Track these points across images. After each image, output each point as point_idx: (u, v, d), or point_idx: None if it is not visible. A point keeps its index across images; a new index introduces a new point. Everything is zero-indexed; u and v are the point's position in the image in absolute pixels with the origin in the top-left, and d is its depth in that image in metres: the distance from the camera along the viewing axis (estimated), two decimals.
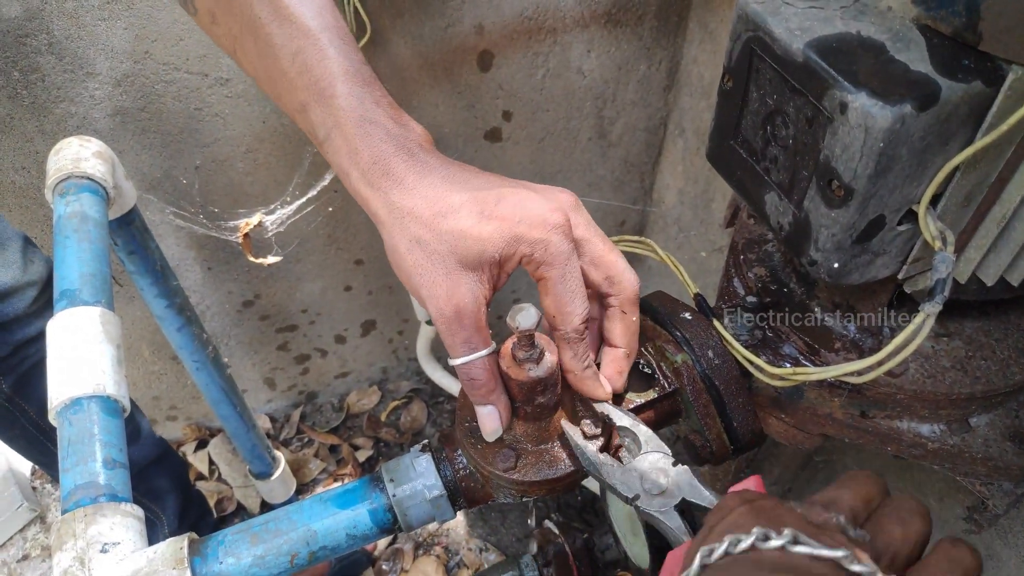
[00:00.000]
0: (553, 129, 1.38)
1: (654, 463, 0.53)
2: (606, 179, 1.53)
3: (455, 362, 0.53)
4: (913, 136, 0.44)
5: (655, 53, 1.33)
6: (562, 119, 1.37)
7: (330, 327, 1.59)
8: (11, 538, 1.57)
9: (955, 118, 0.44)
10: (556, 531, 1.01)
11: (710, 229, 1.39)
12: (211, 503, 1.57)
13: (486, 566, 1.54)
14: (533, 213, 0.50)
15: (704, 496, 0.51)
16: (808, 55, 0.46)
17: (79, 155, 0.85)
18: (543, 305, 0.54)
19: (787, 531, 0.32)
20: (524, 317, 0.53)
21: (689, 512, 0.52)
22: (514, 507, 1.64)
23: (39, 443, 1.07)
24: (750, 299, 0.65)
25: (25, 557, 1.56)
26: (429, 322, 1.53)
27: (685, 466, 0.52)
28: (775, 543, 0.32)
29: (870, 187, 0.46)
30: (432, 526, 1.60)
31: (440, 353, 1.73)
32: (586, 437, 0.57)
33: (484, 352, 0.52)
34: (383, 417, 1.78)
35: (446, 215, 0.50)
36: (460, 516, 1.63)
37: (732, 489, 0.48)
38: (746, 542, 0.33)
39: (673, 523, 0.51)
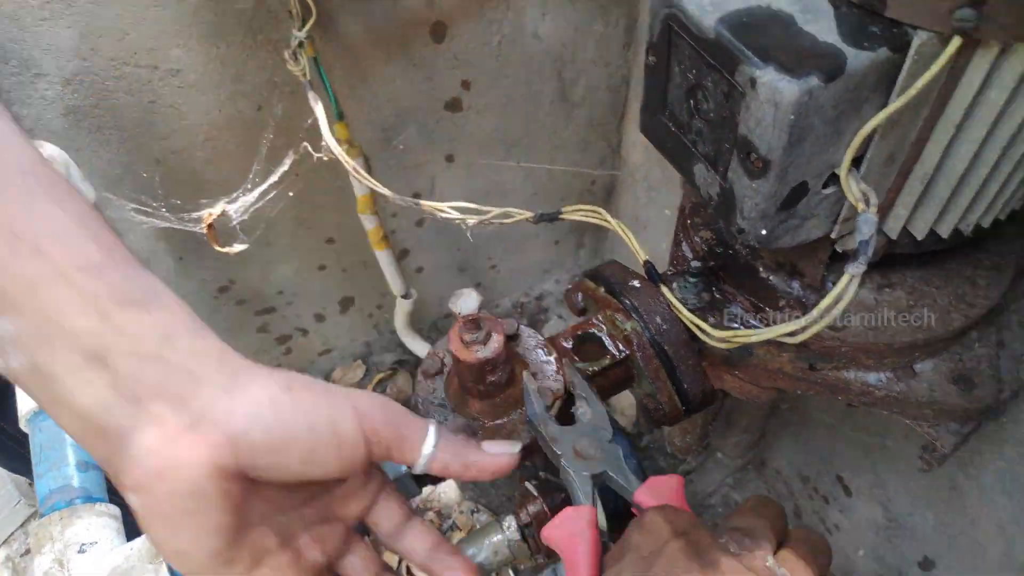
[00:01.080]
0: (514, 95, 1.37)
1: (592, 432, 0.55)
2: (571, 141, 1.53)
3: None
4: (824, 106, 0.45)
5: (610, 11, 1.32)
6: (523, 84, 1.36)
7: (308, 306, 1.60)
8: (12, 534, 1.61)
9: (864, 86, 0.45)
10: (535, 492, 1.04)
11: (677, 187, 1.39)
12: None
13: (478, 527, 1.58)
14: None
15: (627, 478, 0.52)
16: (719, 31, 0.46)
17: None
18: None
19: None
20: (465, 303, 0.55)
21: (607, 486, 0.53)
22: None
23: (18, 456, 1.09)
24: (695, 263, 0.67)
25: (27, 552, 1.59)
26: (405, 296, 1.55)
27: (619, 446, 0.54)
28: None
29: (786, 157, 0.47)
30: (425, 491, 1.64)
31: (419, 325, 1.74)
32: (543, 394, 0.59)
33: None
34: (369, 390, 1.80)
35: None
36: (451, 480, 1.66)
37: (651, 481, 0.50)
38: None
39: (583, 488, 0.52)
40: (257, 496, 0.41)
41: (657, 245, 1.50)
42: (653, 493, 0.50)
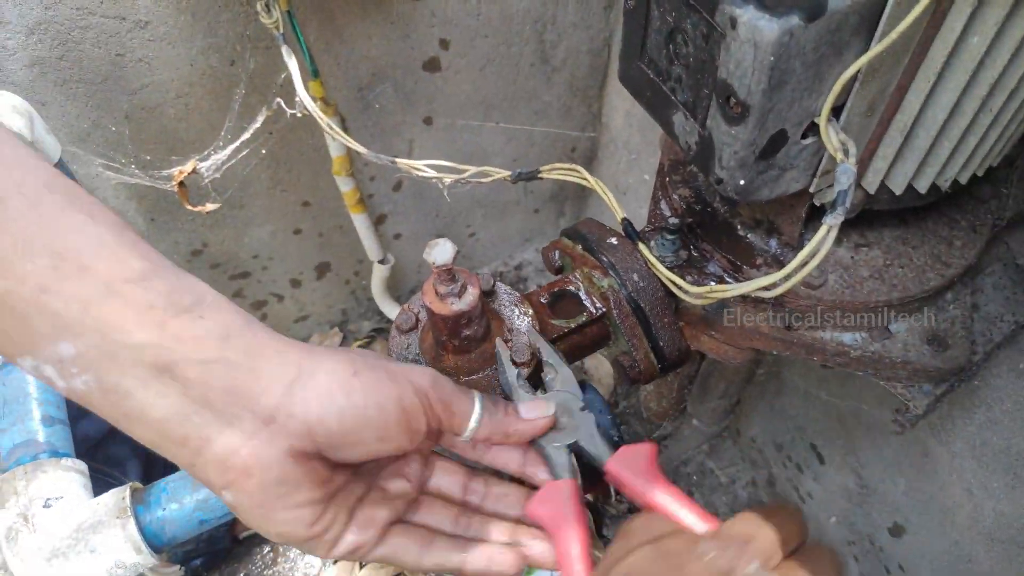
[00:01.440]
0: (494, 56, 1.35)
1: (563, 402, 0.55)
2: (552, 105, 1.51)
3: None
4: (805, 48, 0.44)
5: None
6: (502, 45, 1.34)
7: (284, 271, 1.58)
8: None
9: (846, 27, 0.44)
10: None
11: (657, 151, 1.38)
12: None
13: None
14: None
15: (596, 446, 0.52)
16: None
17: None
18: None
19: None
20: (439, 252, 0.54)
21: (580, 456, 0.53)
22: None
23: None
24: (672, 220, 0.66)
25: None
26: (382, 262, 1.53)
27: (591, 414, 0.54)
28: None
29: (766, 102, 0.46)
30: None
31: (396, 292, 1.73)
32: (515, 364, 0.59)
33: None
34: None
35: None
36: None
37: (623, 450, 0.50)
38: None
39: (559, 460, 0.52)
40: (338, 466, 0.43)
41: (637, 211, 1.50)
42: (625, 462, 0.50)
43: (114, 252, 0.37)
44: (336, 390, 0.40)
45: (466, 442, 0.49)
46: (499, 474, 0.55)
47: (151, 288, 0.37)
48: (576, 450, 0.53)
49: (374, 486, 0.48)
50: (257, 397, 0.38)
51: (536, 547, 0.50)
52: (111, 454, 1.20)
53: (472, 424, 0.48)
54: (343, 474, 0.44)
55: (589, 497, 1.59)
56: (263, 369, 0.39)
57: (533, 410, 0.52)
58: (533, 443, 0.53)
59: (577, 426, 0.54)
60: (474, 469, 0.54)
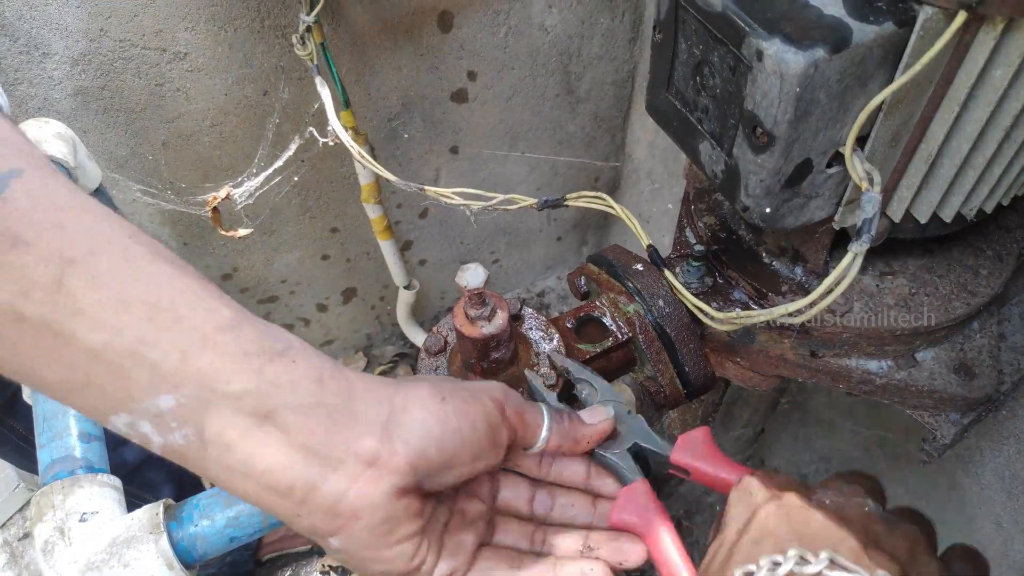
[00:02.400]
0: (520, 87, 1.38)
1: (613, 409, 0.56)
2: (577, 136, 1.53)
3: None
4: (829, 80, 0.45)
5: (618, 5, 1.33)
6: (528, 77, 1.37)
7: (311, 296, 1.60)
8: (11, 518, 1.61)
9: (870, 60, 0.46)
10: None
11: (680, 180, 1.40)
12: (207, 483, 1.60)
13: None
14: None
15: (655, 442, 0.53)
16: (726, 4, 0.47)
17: (38, 137, 0.86)
18: None
19: (823, 555, 0.34)
20: (472, 276, 0.55)
21: (642, 456, 0.54)
22: None
23: (29, 455, 1.12)
24: (698, 248, 0.67)
25: (26, 535, 1.59)
26: (407, 287, 1.55)
27: (640, 416, 0.55)
28: (812, 569, 0.34)
29: (792, 132, 0.47)
30: None
31: (420, 317, 1.74)
32: (546, 386, 0.59)
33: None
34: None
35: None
36: None
37: (682, 439, 0.51)
38: (785, 568, 0.35)
39: (626, 464, 0.53)
40: (427, 496, 0.44)
41: (660, 239, 1.51)
42: (687, 450, 0.52)
43: (204, 301, 0.37)
44: (431, 420, 0.41)
45: (536, 453, 0.50)
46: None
47: (243, 336, 0.37)
48: (636, 451, 0.54)
49: (454, 511, 0.48)
50: (358, 439, 0.38)
51: (632, 551, 0.49)
52: (147, 480, 1.22)
53: (544, 433, 0.48)
54: (431, 503, 0.44)
55: None
56: (359, 410, 0.39)
57: (596, 415, 0.53)
58: (593, 454, 0.54)
59: (631, 428, 0.54)
60: (536, 481, 0.54)
